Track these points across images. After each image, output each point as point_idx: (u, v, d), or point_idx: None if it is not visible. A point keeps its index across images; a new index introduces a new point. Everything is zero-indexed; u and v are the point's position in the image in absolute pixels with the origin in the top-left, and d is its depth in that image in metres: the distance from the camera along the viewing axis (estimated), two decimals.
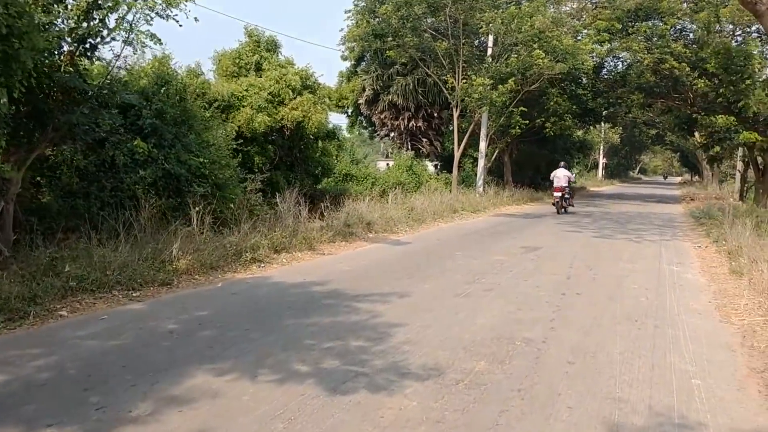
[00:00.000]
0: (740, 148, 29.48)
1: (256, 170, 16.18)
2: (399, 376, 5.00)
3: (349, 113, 35.64)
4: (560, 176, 22.96)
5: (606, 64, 31.18)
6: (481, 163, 27.57)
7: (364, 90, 32.60)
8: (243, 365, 5.18)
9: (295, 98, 18.14)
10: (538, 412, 4.39)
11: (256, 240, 10.68)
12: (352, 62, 33.65)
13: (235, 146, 14.40)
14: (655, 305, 7.99)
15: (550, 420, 4.28)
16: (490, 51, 26.50)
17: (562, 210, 22.71)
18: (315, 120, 18.19)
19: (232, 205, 12.44)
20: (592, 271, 10.51)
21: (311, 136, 19.34)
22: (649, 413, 4.43)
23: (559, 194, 22.62)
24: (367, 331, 6.26)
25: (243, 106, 16.87)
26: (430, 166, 33.18)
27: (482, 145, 27.23)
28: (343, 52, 32.92)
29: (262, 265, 10.09)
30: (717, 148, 27.90)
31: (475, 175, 28.34)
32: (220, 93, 16.60)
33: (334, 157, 24.31)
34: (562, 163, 24.20)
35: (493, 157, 29.70)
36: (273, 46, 19.51)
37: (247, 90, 17.27)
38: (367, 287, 8.45)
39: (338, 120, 61.85)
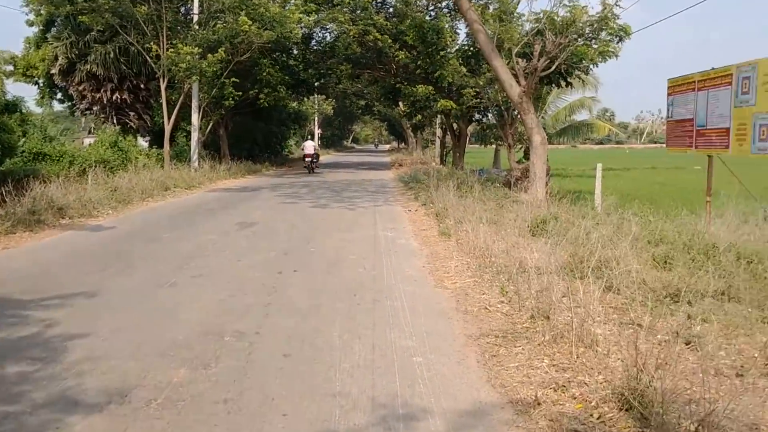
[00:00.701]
0: (439, 116, 31.79)
1: None
2: (67, 409, 3.84)
3: (41, 84, 31.25)
4: (309, 146, 32.04)
5: (315, 35, 31.30)
6: (195, 136, 26.07)
7: (56, 59, 28.62)
8: None
9: None
10: (246, 429, 3.65)
11: None
12: (41, 27, 29.38)
13: None
14: (372, 276, 7.76)
15: None
16: (196, 18, 24.97)
17: (312, 171, 30.34)
18: None
19: None
20: (310, 244, 10.11)
21: None
22: (372, 406, 3.94)
23: (309, 159, 30.88)
24: (34, 349, 4.94)
25: None
26: (142, 142, 30.62)
27: (194, 117, 25.75)
28: (27, 14, 28.58)
29: None
30: (419, 116, 29.87)
31: (190, 149, 26.75)
32: None
33: (20, 134, 21.02)
34: (310, 137, 37.16)
35: (208, 130, 28.36)
36: None
37: None
38: (48, 288, 6.95)
39: (27, 92, 54.68)
